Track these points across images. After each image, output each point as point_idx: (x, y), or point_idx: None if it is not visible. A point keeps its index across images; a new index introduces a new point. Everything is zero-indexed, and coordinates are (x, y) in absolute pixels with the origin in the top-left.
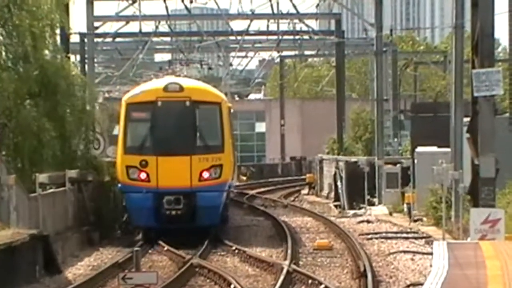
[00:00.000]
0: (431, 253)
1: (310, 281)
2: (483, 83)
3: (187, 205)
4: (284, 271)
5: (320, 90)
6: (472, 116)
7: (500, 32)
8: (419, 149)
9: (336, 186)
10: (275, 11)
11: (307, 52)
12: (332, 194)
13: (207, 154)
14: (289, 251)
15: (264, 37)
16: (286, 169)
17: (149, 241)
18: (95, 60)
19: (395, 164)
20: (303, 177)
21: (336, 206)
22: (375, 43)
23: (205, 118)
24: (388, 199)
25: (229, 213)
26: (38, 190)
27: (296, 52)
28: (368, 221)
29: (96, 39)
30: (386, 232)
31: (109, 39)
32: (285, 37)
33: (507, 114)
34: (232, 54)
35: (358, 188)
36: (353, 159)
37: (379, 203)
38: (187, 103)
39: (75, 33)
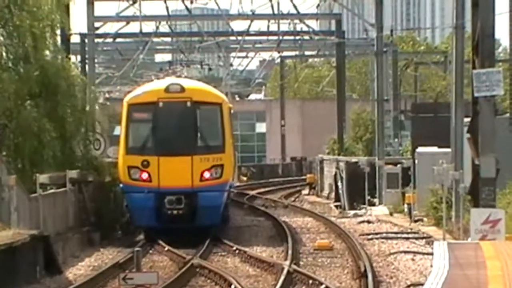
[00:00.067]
0: (431, 253)
1: (310, 282)
2: (484, 83)
3: (189, 205)
4: (285, 271)
5: (320, 91)
6: (472, 117)
7: (501, 32)
8: (420, 149)
9: (336, 186)
10: (276, 12)
11: (307, 53)
12: (333, 195)
13: (208, 154)
14: (290, 252)
15: (264, 38)
16: (287, 169)
17: (150, 241)
18: (96, 60)
19: (395, 164)
20: (303, 177)
21: (336, 206)
22: (376, 43)
23: (206, 119)
24: (388, 199)
25: (230, 213)
26: (39, 190)
27: (297, 53)
28: (368, 222)
29: (96, 40)
30: (387, 233)
31: (109, 40)
32: (286, 37)
33: (508, 115)
34: (233, 54)
35: (359, 189)
36: (354, 159)
37: (380, 203)
38: (188, 104)
39: (75, 33)
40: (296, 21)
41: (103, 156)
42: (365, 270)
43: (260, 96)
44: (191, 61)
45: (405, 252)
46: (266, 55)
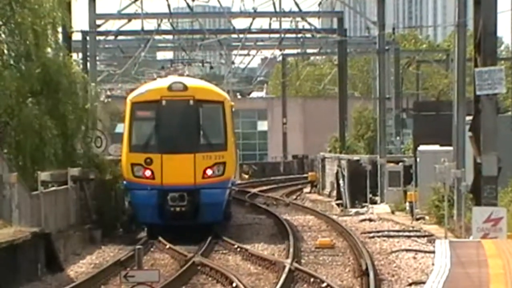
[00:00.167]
0: (433, 252)
1: (312, 280)
2: (486, 81)
3: (191, 202)
4: (286, 269)
5: (322, 89)
6: (474, 115)
7: (503, 30)
8: (422, 147)
9: (338, 184)
10: (277, 9)
11: (309, 50)
12: (334, 193)
13: (211, 152)
14: (291, 250)
15: (266, 35)
16: (288, 167)
17: (153, 238)
18: (97, 58)
19: (397, 162)
20: (305, 175)
21: (338, 204)
22: (378, 41)
23: (208, 117)
24: (390, 197)
25: (231, 211)
26: (40, 188)
27: (298, 50)
28: (370, 220)
29: (98, 37)
30: (388, 231)
31: (111, 37)
32: (287, 35)
33: (510, 113)
34: (234, 52)
35: (360, 187)
36: (355, 157)
37: (381, 201)
38: (191, 102)
39: (77, 31)
40: (298, 19)
41: (105, 154)
42: (367, 268)
43: (262, 94)
44: (192, 59)
45: (407, 250)
46: (268, 53)
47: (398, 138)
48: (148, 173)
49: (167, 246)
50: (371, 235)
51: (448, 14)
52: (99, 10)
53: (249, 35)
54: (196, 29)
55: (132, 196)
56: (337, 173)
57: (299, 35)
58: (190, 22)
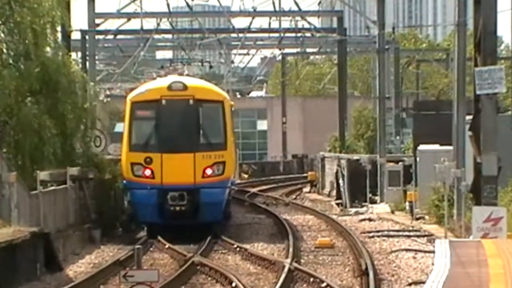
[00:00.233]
0: (433, 251)
1: (311, 279)
2: (486, 81)
3: (191, 201)
4: (286, 269)
5: (322, 88)
6: (474, 114)
7: (503, 30)
8: (421, 147)
9: (338, 184)
10: (277, 9)
11: (309, 50)
12: (334, 192)
13: (210, 151)
14: (291, 249)
15: (266, 35)
16: (288, 167)
17: (152, 237)
18: (96, 57)
19: (397, 162)
20: (304, 175)
21: (338, 204)
22: (377, 40)
23: (208, 116)
24: (390, 197)
25: (231, 210)
26: (39, 187)
27: (298, 50)
28: (370, 219)
29: (97, 36)
30: (388, 230)
31: (110, 36)
32: (287, 34)
33: (510, 112)
34: (234, 51)
35: (360, 186)
36: (355, 157)
37: (381, 201)
38: (191, 102)
39: (76, 30)
40: (298, 18)
41: (104, 153)
42: (366, 268)
43: (261, 93)
44: (192, 58)
45: (407, 250)
46: (267, 52)
47: (398, 137)
48: (148, 172)
49: (167, 246)
50: (371, 234)
51: (448, 13)
52: (98, 9)
53: (248, 35)
54: (195, 28)
55: (132, 196)
56: (336, 172)
57: (299, 34)
58: (189, 21)
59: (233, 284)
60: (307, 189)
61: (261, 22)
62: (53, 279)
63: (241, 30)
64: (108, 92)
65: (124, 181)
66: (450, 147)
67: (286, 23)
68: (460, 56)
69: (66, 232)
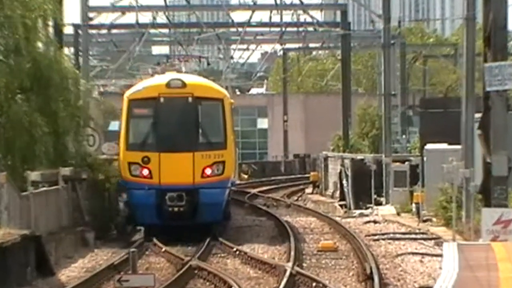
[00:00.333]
0: (440, 255)
1: (314, 284)
2: (496, 77)
3: (190, 202)
4: (287, 273)
5: (325, 85)
6: (484, 112)
7: None
8: (429, 146)
9: (341, 185)
10: (278, 2)
11: (311, 45)
12: (337, 193)
13: (210, 151)
14: (292, 253)
15: (266, 29)
16: (289, 167)
17: (150, 240)
18: (90, 52)
19: (403, 162)
20: (307, 175)
21: (341, 205)
22: (383, 35)
23: (207, 115)
24: (396, 198)
25: (230, 211)
26: (30, 188)
27: (300, 45)
28: (375, 222)
29: (90, 31)
30: (394, 233)
31: (104, 31)
32: (289, 29)
33: None
34: (233, 46)
35: (365, 187)
36: (360, 156)
37: (387, 202)
38: (190, 99)
39: (68, 24)
40: (300, 11)
41: (98, 153)
42: (371, 272)
43: (262, 90)
44: (189, 54)
45: (413, 253)
46: (268, 48)
47: (404, 136)
48: (145, 172)
49: (163, 249)
50: (376, 237)
51: (456, 6)
52: (91, 2)
53: (248, 29)
54: (193, 22)
55: (129, 196)
56: (340, 173)
57: (301, 29)
58: (187, 15)
59: None
60: (309, 190)
61: (261, 16)
62: (45, 284)
63: (240, 24)
64: (102, 89)
65: (121, 181)
66: (459, 146)
67: (287, 17)
68: (469, 51)
69: (58, 234)
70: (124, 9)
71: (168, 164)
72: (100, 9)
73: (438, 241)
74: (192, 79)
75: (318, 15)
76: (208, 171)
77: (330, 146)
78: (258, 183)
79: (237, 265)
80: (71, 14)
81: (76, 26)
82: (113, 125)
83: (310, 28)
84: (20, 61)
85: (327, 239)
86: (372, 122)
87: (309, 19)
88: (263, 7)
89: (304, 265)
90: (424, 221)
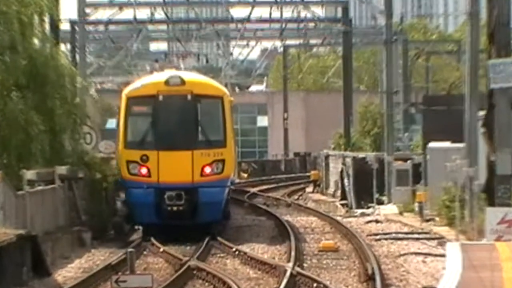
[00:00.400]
0: (444, 255)
1: (315, 285)
2: (500, 74)
3: (189, 201)
4: (288, 274)
5: (326, 82)
6: (487, 110)
7: None
8: (431, 144)
9: (342, 183)
10: None
11: (312, 41)
12: (339, 192)
13: (209, 149)
14: (293, 253)
15: (266, 25)
16: (290, 165)
17: (148, 240)
18: (87, 49)
19: (405, 160)
20: (307, 174)
21: (342, 205)
22: (385, 31)
23: (207, 112)
24: (398, 197)
25: (230, 210)
26: (26, 187)
27: (301, 41)
28: (376, 221)
29: (87, 27)
30: (396, 233)
31: (101, 27)
32: (289, 25)
33: None
34: (233, 43)
35: (366, 186)
36: (361, 155)
37: (389, 202)
38: (189, 97)
39: (65, 20)
40: (300, 7)
41: (95, 151)
42: (373, 273)
43: (262, 87)
44: (188, 51)
45: (416, 253)
46: (268, 44)
47: (406, 134)
48: (144, 170)
49: (161, 249)
50: (378, 237)
51: (459, 2)
52: None
53: (248, 25)
54: (191, 18)
55: (127, 195)
56: (341, 171)
57: (302, 25)
58: (185, 11)
59: None
60: (310, 189)
61: (261, 11)
62: (41, 284)
63: (240, 21)
64: (99, 86)
65: (120, 180)
66: (462, 145)
67: (288, 13)
68: (473, 48)
69: (55, 234)
70: (121, 5)
71: (167, 163)
72: (97, 5)
73: (441, 241)
74: (191, 77)
75: (319, 11)
76: (208, 170)
77: (331, 144)
78: (258, 182)
79: (236, 265)
80: (68, 9)
81: (72, 22)
82: (111, 123)
83: (311, 24)
84: (16, 58)
85: (328, 239)
86: (374, 120)
87: (310, 15)
88: (263, 3)
89: (305, 265)
90: (427, 220)
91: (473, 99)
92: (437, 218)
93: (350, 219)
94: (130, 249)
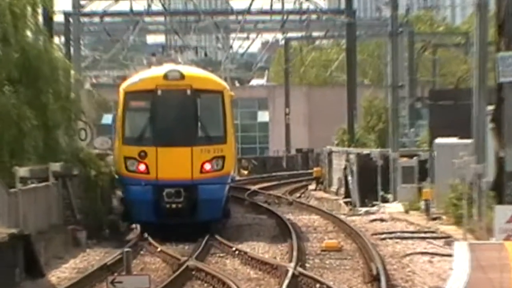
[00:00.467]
0: (451, 255)
1: (317, 285)
2: (509, 67)
3: (188, 198)
4: (289, 274)
5: (329, 76)
6: (496, 104)
7: None
8: (438, 140)
9: (346, 181)
10: None
11: (314, 34)
12: (342, 190)
13: (209, 145)
14: (295, 253)
15: (267, 17)
16: (292, 162)
17: (146, 238)
18: (81, 42)
19: (411, 157)
20: (310, 171)
21: (346, 203)
22: (390, 23)
23: (207, 108)
24: (403, 195)
25: (230, 208)
26: (18, 185)
27: (303, 34)
28: (381, 220)
29: (82, 19)
30: (402, 232)
31: (96, 19)
32: (291, 17)
33: None
34: (232, 35)
35: (371, 183)
36: (365, 151)
37: (394, 199)
38: (188, 92)
39: (59, 12)
40: None
41: (90, 148)
42: (378, 273)
43: (263, 81)
44: (186, 44)
45: (422, 253)
46: (269, 37)
47: (412, 130)
48: (142, 167)
49: (159, 249)
50: (383, 236)
51: None
52: None
53: (248, 17)
54: (190, 10)
55: (125, 192)
56: (345, 168)
57: (304, 17)
58: (183, 2)
59: None
60: (312, 186)
61: (262, 3)
62: (34, 286)
63: (240, 12)
64: (94, 80)
65: (117, 177)
66: (470, 140)
67: (289, 4)
68: (481, 40)
69: (48, 233)
70: None
71: (165, 159)
72: None
73: (448, 240)
74: (190, 71)
75: (322, 3)
76: (207, 166)
77: (335, 140)
78: (259, 179)
79: (236, 265)
80: (62, 1)
81: (67, 14)
82: (106, 119)
83: (314, 16)
84: (8, 51)
85: (331, 238)
86: (378, 115)
87: (312, 7)
88: None
89: (307, 265)
90: (434, 219)
91: (481, 93)
92: (444, 217)
93: (354, 218)
94: (126, 249)
